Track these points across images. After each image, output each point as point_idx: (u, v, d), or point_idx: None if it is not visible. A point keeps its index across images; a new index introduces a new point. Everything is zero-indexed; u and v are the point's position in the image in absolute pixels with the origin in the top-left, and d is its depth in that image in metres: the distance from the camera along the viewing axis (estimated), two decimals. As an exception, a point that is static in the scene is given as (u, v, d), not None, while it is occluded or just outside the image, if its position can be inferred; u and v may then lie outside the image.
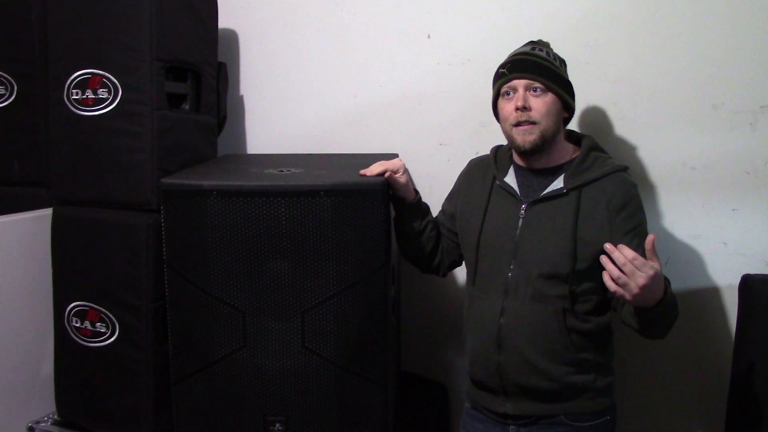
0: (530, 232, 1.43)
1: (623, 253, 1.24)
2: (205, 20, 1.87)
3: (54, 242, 1.80)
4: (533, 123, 1.40)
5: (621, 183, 1.42)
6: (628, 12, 1.71)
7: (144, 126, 1.65)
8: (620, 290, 1.25)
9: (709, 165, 1.67)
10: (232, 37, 2.22)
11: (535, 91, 1.41)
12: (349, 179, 1.47)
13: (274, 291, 1.46)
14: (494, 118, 1.53)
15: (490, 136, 1.71)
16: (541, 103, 1.40)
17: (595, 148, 1.49)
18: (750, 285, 1.51)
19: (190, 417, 1.56)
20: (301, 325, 1.47)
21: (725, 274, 1.68)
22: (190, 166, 1.74)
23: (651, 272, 1.21)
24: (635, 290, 1.23)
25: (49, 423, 1.87)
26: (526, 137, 1.41)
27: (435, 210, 1.68)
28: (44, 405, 1.89)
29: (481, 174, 1.57)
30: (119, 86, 1.65)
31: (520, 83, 1.42)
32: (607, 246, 1.29)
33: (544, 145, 1.42)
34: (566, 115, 1.48)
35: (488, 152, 1.61)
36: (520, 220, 1.44)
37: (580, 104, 1.70)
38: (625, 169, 1.45)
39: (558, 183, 1.44)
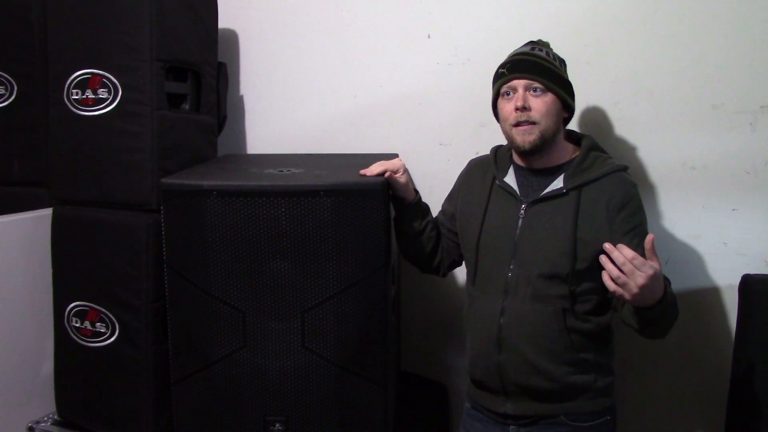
0: (530, 232, 1.43)
1: (622, 253, 1.24)
2: (205, 20, 1.87)
3: (54, 242, 1.80)
4: (533, 123, 1.40)
5: (621, 183, 1.42)
6: (628, 12, 1.71)
7: (144, 126, 1.65)
8: (619, 290, 1.25)
9: (709, 165, 1.67)
10: (232, 37, 2.22)
11: (534, 91, 1.41)
12: (349, 179, 1.47)
13: (274, 291, 1.46)
14: (494, 118, 1.53)
15: (490, 136, 1.71)
16: (540, 103, 1.40)
17: (595, 148, 1.49)
18: (750, 285, 1.51)
19: (190, 417, 1.56)
20: (301, 325, 1.47)
21: (725, 274, 1.68)
22: (190, 166, 1.74)
23: (650, 272, 1.21)
24: (635, 290, 1.23)
25: (49, 423, 1.87)
26: (525, 137, 1.41)
27: (435, 210, 1.68)
28: (44, 405, 1.89)
29: (481, 174, 1.57)
30: (119, 86, 1.65)
31: (519, 83, 1.42)
32: (607, 246, 1.29)
33: (543, 145, 1.42)
34: (566, 115, 1.48)
35: (488, 152, 1.61)
36: (520, 220, 1.44)
37: (580, 104, 1.70)
38: (624, 168, 1.45)
39: (558, 183, 1.44)
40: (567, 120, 1.50)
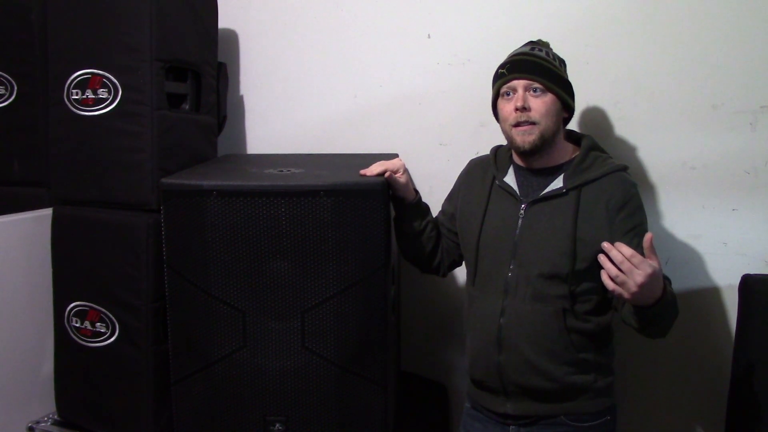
0: (530, 232, 1.43)
1: (621, 251, 1.24)
2: (205, 20, 1.87)
3: (54, 242, 1.80)
4: (533, 123, 1.40)
5: (620, 182, 1.42)
6: (628, 12, 1.71)
7: (144, 126, 1.65)
8: (619, 289, 1.24)
9: (709, 165, 1.67)
10: (232, 37, 2.22)
11: (534, 91, 1.41)
12: (349, 179, 1.47)
13: (274, 291, 1.46)
14: (494, 118, 1.53)
15: (490, 136, 1.71)
16: (540, 104, 1.40)
17: (595, 147, 1.49)
18: (750, 285, 1.51)
19: (190, 417, 1.56)
20: (301, 325, 1.47)
21: (725, 274, 1.68)
22: (190, 166, 1.74)
23: (649, 270, 1.21)
24: (634, 288, 1.22)
25: (49, 423, 1.87)
26: (525, 138, 1.41)
27: (435, 210, 1.68)
28: (44, 405, 1.89)
29: (480, 174, 1.57)
30: (119, 86, 1.65)
31: (519, 84, 1.42)
32: (605, 245, 1.28)
33: (543, 145, 1.42)
34: (566, 115, 1.48)
35: (488, 152, 1.61)
36: (520, 220, 1.44)
37: (580, 104, 1.70)
38: (624, 168, 1.45)
39: (557, 183, 1.44)
40: (567, 120, 1.50)
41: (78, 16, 1.70)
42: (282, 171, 1.59)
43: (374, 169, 1.51)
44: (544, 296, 1.40)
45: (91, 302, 1.73)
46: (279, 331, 1.47)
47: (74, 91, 1.70)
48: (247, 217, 1.44)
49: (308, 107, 2.15)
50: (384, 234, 1.47)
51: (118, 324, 1.70)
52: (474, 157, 1.67)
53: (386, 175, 1.50)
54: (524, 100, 1.40)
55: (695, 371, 1.75)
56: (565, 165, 1.46)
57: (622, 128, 1.75)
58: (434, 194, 1.77)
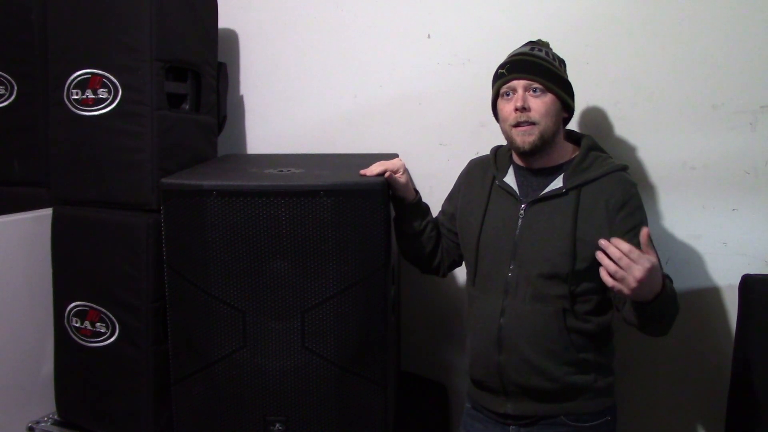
0: (530, 232, 1.43)
1: (618, 247, 1.22)
2: (205, 20, 1.87)
3: (54, 242, 1.80)
4: (533, 123, 1.40)
5: (620, 182, 1.42)
6: (628, 12, 1.71)
7: (144, 126, 1.65)
8: (618, 285, 1.23)
9: (709, 165, 1.67)
10: (232, 37, 2.22)
11: (534, 91, 1.41)
12: (349, 179, 1.47)
13: (274, 291, 1.46)
14: (494, 118, 1.53)
15: (490, 136, 1.71)
16: (540, 104, 1.40)
17: (595, 147, 1.49)
18: (750, 285, 1.51)
19: (190, 417, 1.56)
20: (301, 325, 1.47)
21: (725, 274, 1.68)
22: (190, 166, 1.74)
23: (648, 264, 1.20)
24: (633, 284, 1.21)
25: (49, 423, 1.87)
26: (525, 138, 1.41)
27: (435, 210, 1.68)
28: (44, 405, 1.89)
29: (480, 174, 1.57)
30: (119, 86, 1.65)
31: (519, 84, 1.42)
32: (602, 242, 1.26)
33: (543, 145, 1.42)
34: (566, 115, 1.48)
35: (488, 152, 1.61)
36: (520, 220, 1.44)
37: (580, 104, 1.70)
38: (624, 168, 1.45)
39: (557, 183, 1.43)
40: (567, 120, 1.50)
41: (78, 16, 1.70)
42: (282, 171, 1.59)
43: (374, 169, 1.51)
44: (544, 296, 1.40)
45: (91, 302, 1.73)
46: (279, 331, 1.47)
47: (74, 91, 1.70)
48: (247, 217, 1.43)
49: (308, 107, 2.15)
50: (384, 234, 1.47)
51: (118, 324, 1.70)
52: (474, 157, 1.67)
53: (386, 175, 1.50)
54: (524, 100, 1.40)
55: (695, 371, 1.75)
56: (564, 165, 1.46)
57: (622, 128, 1.75)
58: (434, 194, 1.77)
